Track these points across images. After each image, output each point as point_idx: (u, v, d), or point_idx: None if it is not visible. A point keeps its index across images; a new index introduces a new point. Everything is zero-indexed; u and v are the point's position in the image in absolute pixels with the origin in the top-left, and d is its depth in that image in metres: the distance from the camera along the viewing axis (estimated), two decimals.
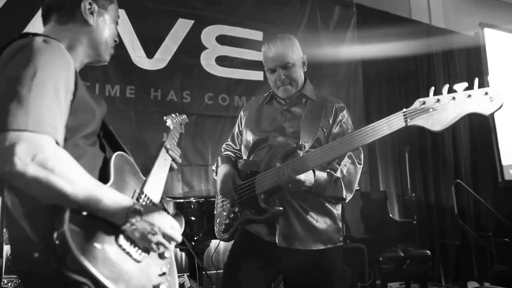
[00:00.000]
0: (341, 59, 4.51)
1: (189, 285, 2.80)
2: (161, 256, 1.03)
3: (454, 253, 4.63)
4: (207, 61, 4.05)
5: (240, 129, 1.95)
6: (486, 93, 1.27)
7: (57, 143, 0.90)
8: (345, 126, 1.75)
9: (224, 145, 2.03)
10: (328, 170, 1.65)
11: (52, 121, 0.90)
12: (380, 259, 3.50)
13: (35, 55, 0.93)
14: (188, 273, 3.02)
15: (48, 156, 0.86)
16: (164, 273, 1.04)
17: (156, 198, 1.16)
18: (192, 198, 3.02)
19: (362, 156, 1.75)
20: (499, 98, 1.25)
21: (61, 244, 0.84)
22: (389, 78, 4.84)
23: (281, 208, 1.61)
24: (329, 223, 1.68)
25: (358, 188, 3.88)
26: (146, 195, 1.11)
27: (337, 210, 1.73)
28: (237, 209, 1.72)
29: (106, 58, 1.21)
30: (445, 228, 4.74)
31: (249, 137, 1.84)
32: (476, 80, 1.30)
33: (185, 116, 1.71)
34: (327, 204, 1.69)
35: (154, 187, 1.16)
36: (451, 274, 4.59)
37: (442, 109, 1.32)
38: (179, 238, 1.03)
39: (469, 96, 1.29)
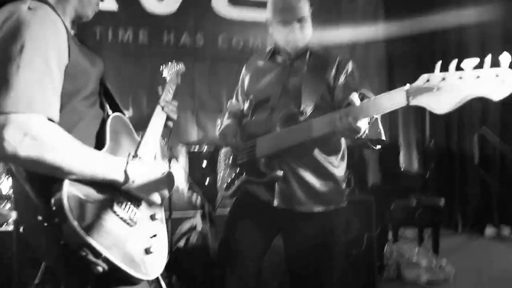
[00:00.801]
0: (362, 36, 4.15)
1: (201, 225, 2.90)
2: (152, 217, 1.08)
3: (475, 201, 4.55)
4: (220, 1, 3.86)
5: (244, 88, 1.89)
6: (497, 75, 1.12)
7: (51, 119, 0.90)
8: (350, 79, 1.61)
9: (229, 103, 1.99)
10: None
11: (44, 97, 0.88)
12: (392, 207, 3.52)
13: (21, 28, 0.90)
14: (201, 211, 3.17)
15: (37, 134, 0.86)
16: (155, 235, 1.07)
17: (151, 158, 1.19)
18: (205, 146, 3.11)
19: None
20: (511, 81, 1.11)
21: (58, 211, 0.87)
22: (416, 57, 4.35)
23: (280, 174, 1.59)
24: (331, 185, 1.64)
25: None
26: (139, 158, 1.12)
27: (339, 171, 1.67)
28: (238, 169, 1.73)
29: (89, 13, 1.14)
30: (466, 176, 4.61)
31: (250, 97, 1.78)
32: (488, 58, 1.14)
33: (182, 64, 1.65)
34: (328, 166, 1.65)
35: (148, 148, 1.19)
36: (469, 220, 4.56)
37: (447, 90, 1.18)
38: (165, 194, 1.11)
39: (478, 77, 1.15)
